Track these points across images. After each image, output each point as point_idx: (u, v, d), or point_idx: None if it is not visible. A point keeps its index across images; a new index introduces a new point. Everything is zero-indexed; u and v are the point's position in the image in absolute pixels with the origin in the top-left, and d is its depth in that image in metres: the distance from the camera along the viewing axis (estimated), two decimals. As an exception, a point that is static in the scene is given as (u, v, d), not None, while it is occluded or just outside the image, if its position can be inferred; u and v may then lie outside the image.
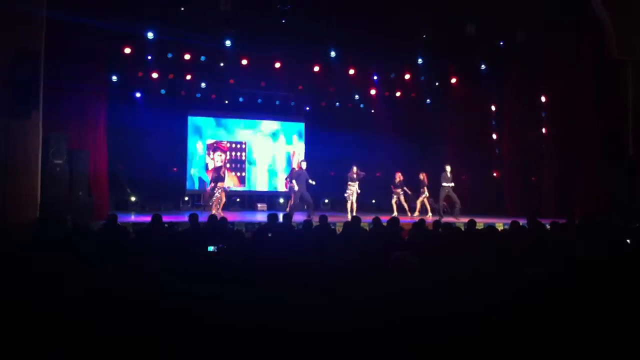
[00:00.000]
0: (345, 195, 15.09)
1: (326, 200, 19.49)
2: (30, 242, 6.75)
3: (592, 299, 4.13)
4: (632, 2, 12.65)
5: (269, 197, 19.79)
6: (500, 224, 11.97)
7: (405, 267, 4.44)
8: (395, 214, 15.43)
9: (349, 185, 14.98)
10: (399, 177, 16.32)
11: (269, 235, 8.28)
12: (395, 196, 16.26)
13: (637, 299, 4.15)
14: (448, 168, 15.31)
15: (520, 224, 8.92)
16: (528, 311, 3.86)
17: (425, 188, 16.08)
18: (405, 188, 16.24)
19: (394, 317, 3.51)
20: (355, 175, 14.94)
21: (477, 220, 9.70)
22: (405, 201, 16.22)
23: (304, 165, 14.95)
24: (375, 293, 3.99)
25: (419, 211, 16.15)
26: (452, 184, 15.24)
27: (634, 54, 12.74)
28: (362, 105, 20.25)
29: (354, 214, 13.98)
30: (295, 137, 20.48)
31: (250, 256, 5.22)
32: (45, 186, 11.17)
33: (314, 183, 14.81)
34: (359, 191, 15.04)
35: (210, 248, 6.51)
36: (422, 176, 16.22)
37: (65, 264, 4.70)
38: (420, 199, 16.20)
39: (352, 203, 14.95)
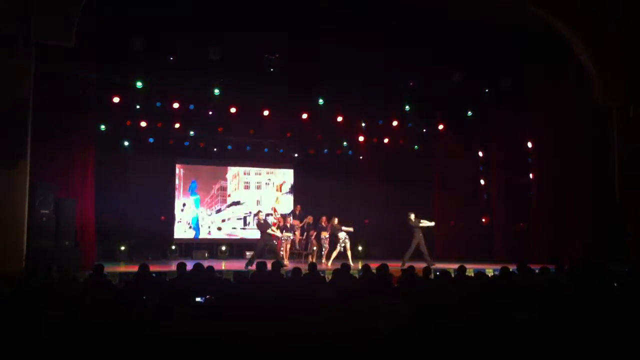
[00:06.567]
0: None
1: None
2: (13, 293, 6.62)
3: (582, 344, 4.09)
4: (614, 49, 12.88)
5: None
6: (490, 270, 11.92)
7: (395, 315, 4.39)
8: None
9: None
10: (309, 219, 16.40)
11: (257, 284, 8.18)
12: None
13: (627, 342, 4.12)
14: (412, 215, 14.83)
15: (510, 269, 8.88)
16: (519, 358, 3.82)
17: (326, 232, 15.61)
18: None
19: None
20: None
21: (467, 266, 9.63)
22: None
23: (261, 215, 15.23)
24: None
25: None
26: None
27: (618, 99, 12.91)
28: (350, 152, 20.31)
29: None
30: (283, 184, 20.42)
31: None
32: (31, 236, 11.03)
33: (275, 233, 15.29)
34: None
35: (198, 299, 6.40)
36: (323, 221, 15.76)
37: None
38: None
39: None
